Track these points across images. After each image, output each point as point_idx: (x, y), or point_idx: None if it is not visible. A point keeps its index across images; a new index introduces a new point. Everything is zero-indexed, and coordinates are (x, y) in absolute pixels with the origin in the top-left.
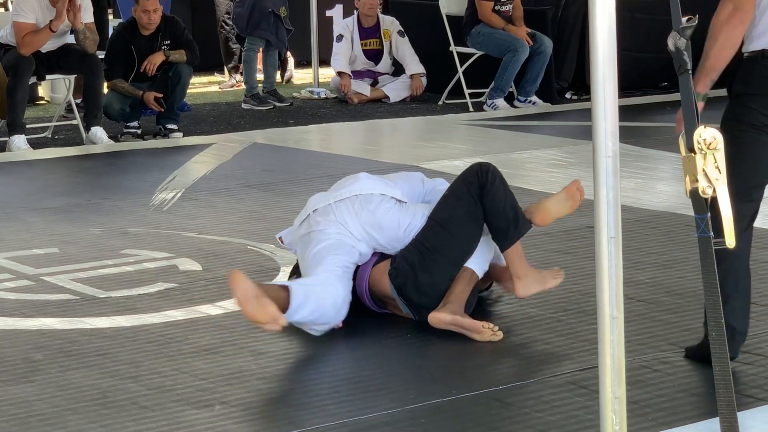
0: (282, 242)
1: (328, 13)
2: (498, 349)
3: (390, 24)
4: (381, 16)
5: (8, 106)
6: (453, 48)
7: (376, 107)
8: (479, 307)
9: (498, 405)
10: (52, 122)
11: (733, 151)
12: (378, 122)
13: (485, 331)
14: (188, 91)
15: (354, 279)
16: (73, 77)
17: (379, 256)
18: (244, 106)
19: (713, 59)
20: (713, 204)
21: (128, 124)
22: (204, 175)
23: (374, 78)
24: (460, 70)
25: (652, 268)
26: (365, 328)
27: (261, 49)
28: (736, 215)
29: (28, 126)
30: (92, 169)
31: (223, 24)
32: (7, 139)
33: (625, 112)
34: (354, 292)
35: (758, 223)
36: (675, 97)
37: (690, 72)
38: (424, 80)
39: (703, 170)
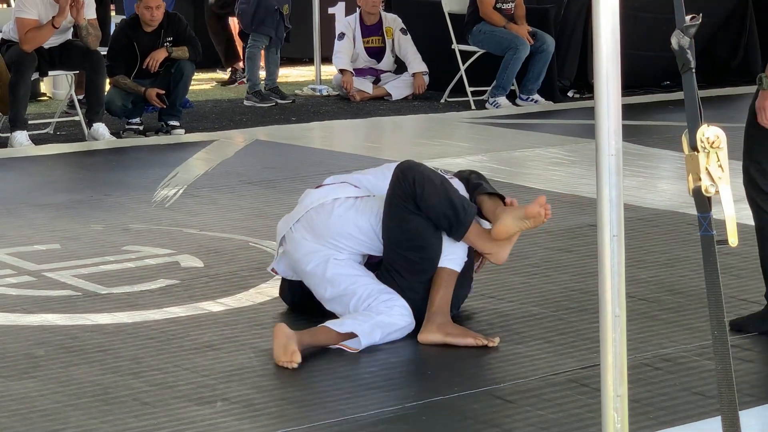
0: (276, 273)
1: (331, 10)
2: (499, 347)
3: (392, 22)
4: (383, 13)
5: (10, 102)
6: (455, 46)
7: (378, 105)
8: (478, 305)
9: (499, 403)
10: (54, 118)
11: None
12: (380, 120)
13: (478, 342)
14: (190, 87)
15: None
16: (75, 73)
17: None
18: (246, 103)
19: None
20: None
21: (130, 121)
22: (206, 171)
23: (376, 76)
24: (462, 68)
25: (654, 266)
26: None
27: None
28: None
29: (30, 122)
30: (94, 166)
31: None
32: (9, 135)
33: (627, 111)
34: None
35: None
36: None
37: (693, 70)
38: (426, 78)
39: (706, 169)
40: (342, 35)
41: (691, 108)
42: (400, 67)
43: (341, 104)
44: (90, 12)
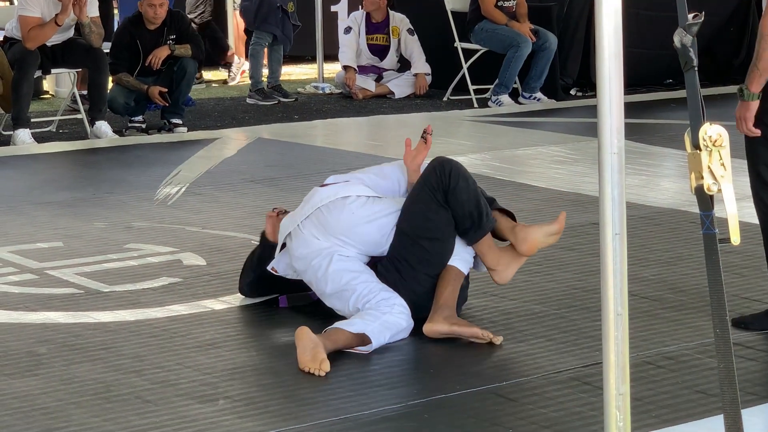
0: (276, 272)
1: (333, 8)
2: (501, 346)
3: (400, 21)
4: (392, 12)
5: (13, 100)
6: (458, 44)
7: (381, 103)
8: (481, 303)
9: (501, 401)
10: (57, 116)
11: None
12: (383, 118)
13: (484, 338)
14: (192, 85)
15: None
16: (77, 71)
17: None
18: (248, 101)
19: (764, 60)
20: None
21: (133, 119)
22: (208, 169)
23: (378, 74)
24: (465, 66)
25: (657, 265)
26: None
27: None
28: None
29: (32, 120)
30: (96, 164)
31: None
32: (11, 132)
33: (630, 109)
34: None
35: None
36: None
37: (695, 69)
38: (429, 79)
39: (709, 167)
40: (348, 29)
41: (694, 106)
42: (403, 65)
43: (344, 102)
44: (93, 10)
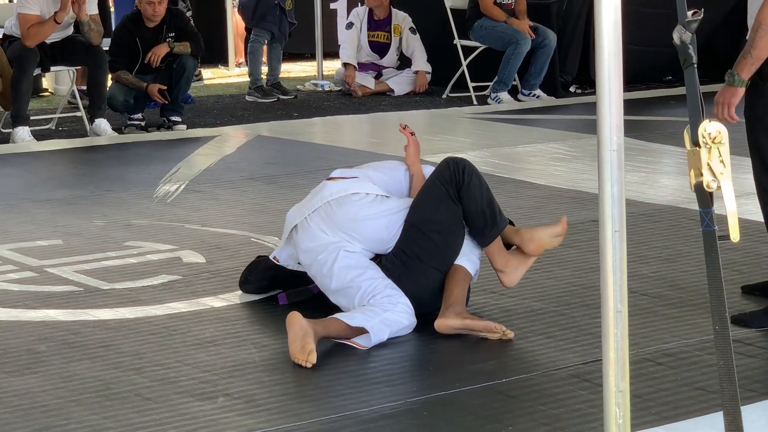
0: (278, 261)
1: (332, 5)
2: (501, 342)
3: (402, 20)
4: (395, 10)
5: (12, 98)
6: (457, 41)
7: (381, 100)
8: (481, 301)
9: (501, 398)
10: (56, 114)
11: None
12: (382, 115)
13: (497, 332)
14: (192, 83)
15: None
16: (76, 69)
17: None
18: (248, 98)
19: (759, 49)
20: None
21: (132, 116)
22: (208, 167)
23: (378, 71)
24: (464, 63)
25: (656, 261)
26: None
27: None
28: None
29: (32, 118)
30: (96, 161)
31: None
32: (11, 130)
33: (629, 106)
34: None
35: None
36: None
37: (695, 66)
38: (428, 77)
39: (708, 164)
40: (350, 25)
41: (693, 103)
42: (402, 63)
43: (343, 100)
44: (92, 7)
